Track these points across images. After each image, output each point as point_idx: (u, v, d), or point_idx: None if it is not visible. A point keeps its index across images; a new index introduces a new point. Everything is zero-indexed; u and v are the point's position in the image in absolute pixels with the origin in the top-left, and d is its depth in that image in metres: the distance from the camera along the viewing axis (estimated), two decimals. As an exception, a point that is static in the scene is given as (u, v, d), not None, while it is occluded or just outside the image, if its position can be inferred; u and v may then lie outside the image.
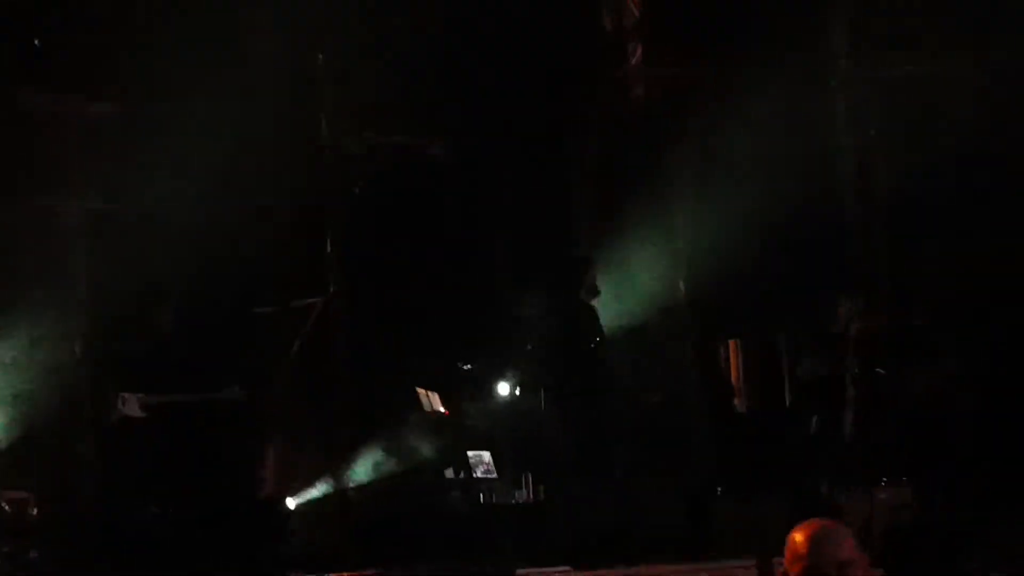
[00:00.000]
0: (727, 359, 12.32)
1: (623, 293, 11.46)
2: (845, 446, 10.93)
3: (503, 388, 11.01)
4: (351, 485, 10.32)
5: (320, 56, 10.60)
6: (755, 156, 11.67)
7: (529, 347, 10.74)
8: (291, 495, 10.31)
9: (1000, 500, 9.73)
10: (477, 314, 11.42)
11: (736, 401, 12.23)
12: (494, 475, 10.69)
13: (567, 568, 8.89)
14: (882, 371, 10.84)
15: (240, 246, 10.57)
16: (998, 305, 10.78)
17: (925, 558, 9.08)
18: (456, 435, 10.76)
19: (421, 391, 10.83)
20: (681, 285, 11.87)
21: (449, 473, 10.70)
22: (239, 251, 10.58)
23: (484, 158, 11.54)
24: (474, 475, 10.61)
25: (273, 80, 10.71)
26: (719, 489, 10.60)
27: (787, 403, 11.88)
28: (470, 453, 10.67)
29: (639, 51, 11.60)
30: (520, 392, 10.95)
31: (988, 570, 8.34)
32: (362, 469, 10.50)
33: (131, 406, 9.20)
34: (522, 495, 10.68)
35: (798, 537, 4.86)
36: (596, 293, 10.71)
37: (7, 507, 9.18)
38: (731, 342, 12.30)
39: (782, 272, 11.77)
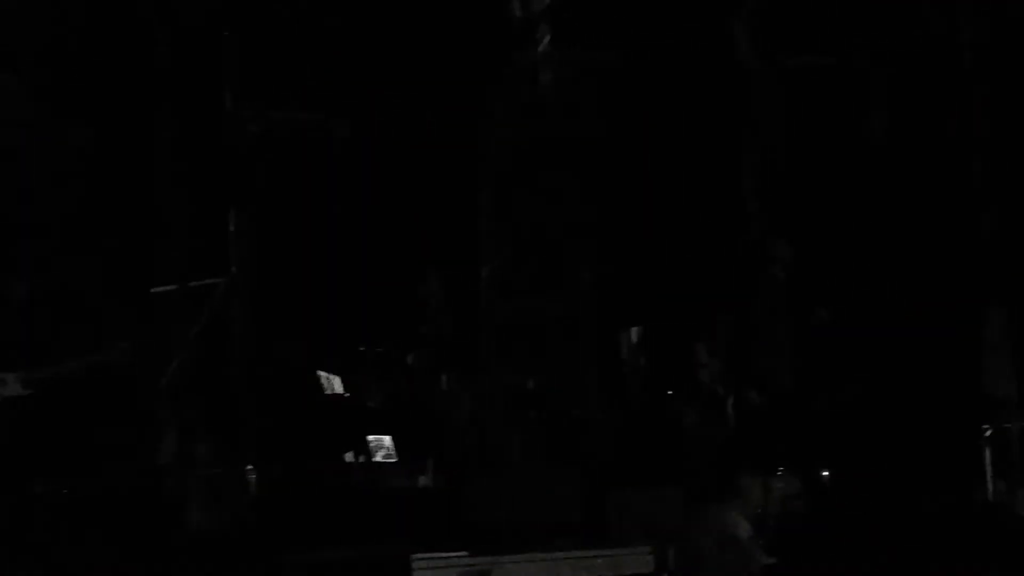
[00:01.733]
0: (629, 347, 12.38)
1: (527, 278, 11.47)
2: (741, 436, 11.01)
3: (406, 371, 11.01)
4: (249, 468, 10.22)
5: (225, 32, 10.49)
6: (663, 145, 11.74)
7: (432, 330, 10.72)
8: (187, 476, 10.20)
9: (887, 493, 9.87)
10: (380, 296, 11.36)
11: (637, 389, 12.27)
12: (395, 459, 10.65)
13: (464, 553, 8.86)
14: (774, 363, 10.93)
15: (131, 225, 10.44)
16: (894, 300, 10.88)
17: (815, 548, 9.16)
18: (357, 419, 10.71)
19: (322, 374, 10.77)
20: (586, 272, 11.89)
21: (349, 457, 10.66)
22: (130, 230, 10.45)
23: (390, 139, 11.48)
24: (374, 459, 10.58)
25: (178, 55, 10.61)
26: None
27: (688, 391, 11.96)
28: (371, 437, 10.64)
29: (548, 36, 11.58)
30: (423, 376, 10.94)
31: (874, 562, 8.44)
32: (260, 452, 10.41)
33: (12, 387, 8.99)
34: (424, 480, 10.65)
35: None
36: (501, 278, 10.72)
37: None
38: (632, 329, 12.37)
39: (684, 262, 11.85)
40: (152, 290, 10.62)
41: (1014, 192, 10.31)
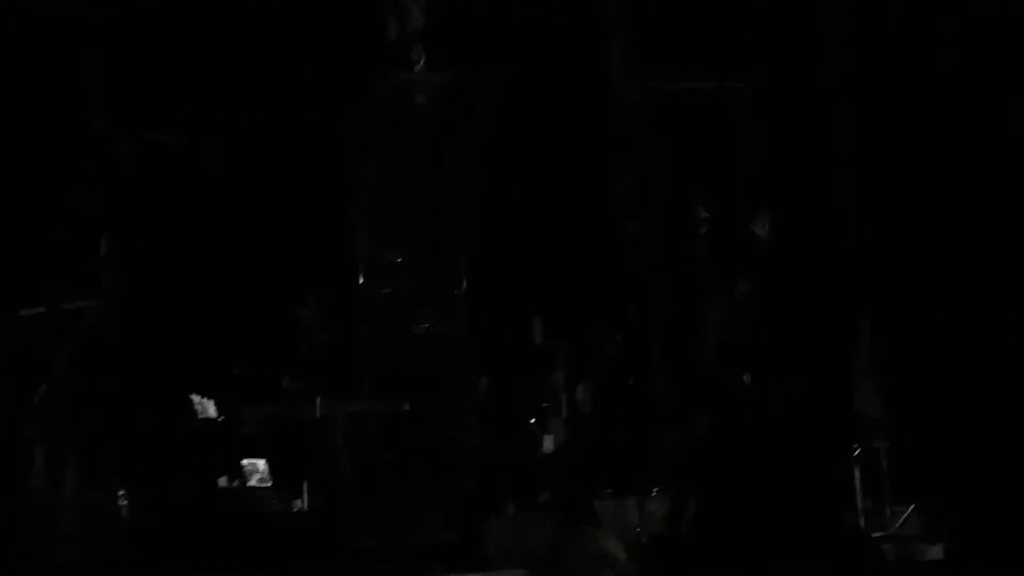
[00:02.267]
0: (506, 367, 12.42)
1: (401, 295, 11.48)
2: (615, 456, 11.08)
3: (281, 394, 10.92)
4: (120, 493, 10.09)
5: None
6: (537, 165, 11.80)
7: (307, 353, 10.66)
8: (59, 499, 10.04)
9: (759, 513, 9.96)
10: (255, 319, 11.28)
11: (514, 411, 12.30)
12: (269, 483, 10.56)
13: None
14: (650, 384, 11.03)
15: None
16: (777, 322, 11.01)
17: (687, 568, 9.22)
18: (231, 443, 10.61)
19: (195, 397, 10.65)
20: (459, 291, 11.91)
21: (223, 482, 10.55)
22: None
23: (266, 159, 11.42)
24: (248, 483, 10.48)
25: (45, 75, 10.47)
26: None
27: (562, 413, 12.01)
28: (245, 461, 10.54)
29: (422, 57, 11.58)
30: (300, 398, 10.86)
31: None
32: (132, 476, 10.28)
33: None
34: (299, 504, 10.57)
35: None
36: (378, 295, 10.70)
37: None
38: (512, 349, 12.40)
39: (558, 281, 11.91)
40: (22, 312, 10.45)
41: (882, 213, 10.47)
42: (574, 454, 11.43)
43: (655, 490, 11.00)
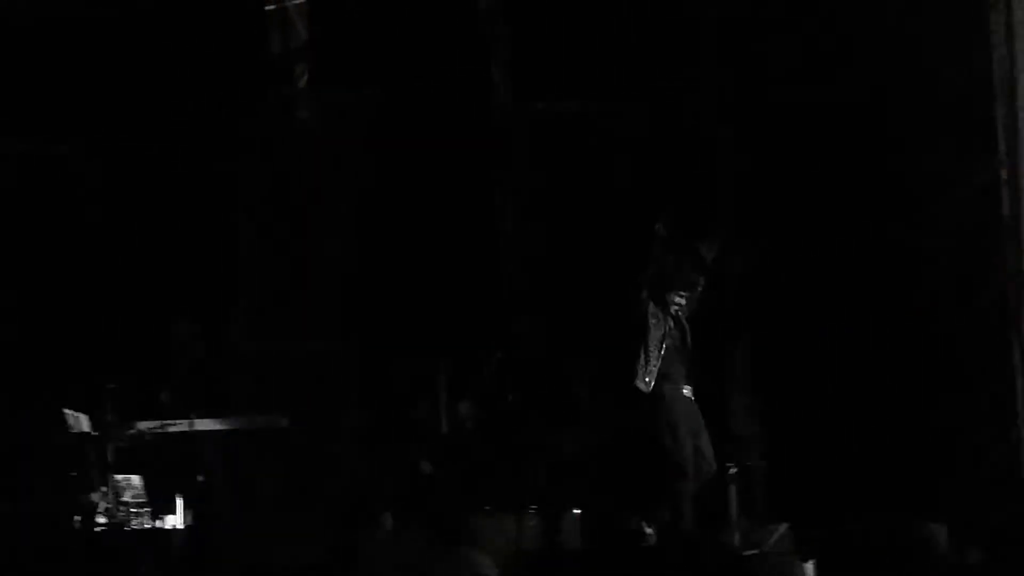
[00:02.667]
0: (387, 384, 12.39)
1: (280, 315, 11.42)
2: (494, 473, 11.07)
3: (159, 410, 10.80)
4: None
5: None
6: (421, 182, 11.81)
7: (182, 367, 10.56)
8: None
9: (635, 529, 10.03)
10: (131, 334, 11.16)
11: (394, 428, 12.27)
12: (144, 500, 10.43)
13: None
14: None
15: None
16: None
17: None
18: (104, 458, 10.47)
19: (69, 411, 10.51)
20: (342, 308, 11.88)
21: (96, 497, 10.41)
22: None
23: (141, 172, 11.31)
24: (122, 499, 10.35)
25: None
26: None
27: (444, 430, 12.00)
28: (118, 477, 10.41)
29: (306, 73, 11.55)
30: (176, 414, 10.75)
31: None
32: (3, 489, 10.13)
33: None
34: (174, 520, 10.45)
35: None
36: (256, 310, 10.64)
37: None
38: (392, 366, 12.38)
39: (440, 298, 11.93)
40: None
41: (759, 233, 10.57)
42: (452, 471, 11.42)
43: (533, 507, 11.02)
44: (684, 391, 9.39)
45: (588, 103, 11.92)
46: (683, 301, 9.60)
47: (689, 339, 9.62)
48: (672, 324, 9.51)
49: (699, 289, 9.63)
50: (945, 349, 9.84)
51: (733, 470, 9.77)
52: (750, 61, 10.68)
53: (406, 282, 11.87)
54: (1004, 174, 9.96)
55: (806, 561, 8.74)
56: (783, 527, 9.89)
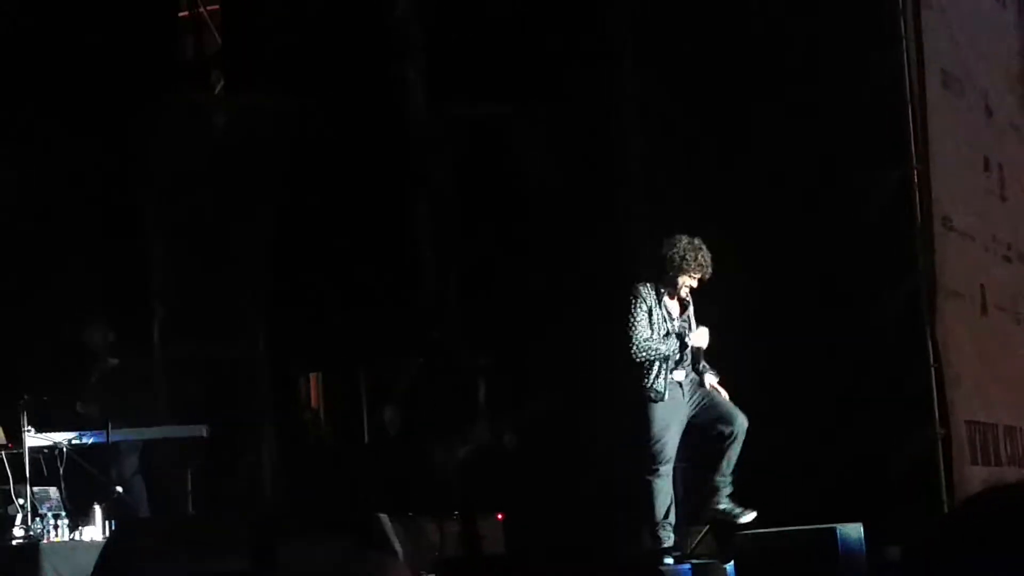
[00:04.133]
0: (307, 392, 12.35)
1: (196, 323, 11.35)
2: (415, 478, 11.06)
3: (75, 420, 10.68)
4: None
5: None
6: (335, 190, 11.77)
7: (99, 377, 10.45)
8: None
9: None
10: (46, 342, 11.03)
11: (314, 435, 12.24)
12: (63, 512, 10.31)
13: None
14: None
15: None
16: (559, 349, 11.10)
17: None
18: (21, 470, 10.34)
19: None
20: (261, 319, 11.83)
21: (12, 510, 10.27)
22: None
23: (51, 178, 11.17)
24: (39, 511, 10.22)
25: None
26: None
27: (366, 439, 11.98)
28: (36, 488, 10.28)
29: (221, 79, 11.49)
30: (92, 424, 10.63)
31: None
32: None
33: None
34: (92, 532, 10.33)
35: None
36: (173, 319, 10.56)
37: None
38: (312, 375, 12.35)
39: (360, 305, 11.90)
40: None
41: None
42: (374, 476, 11.40)
43: (455, 512, 11.03)
44: (672, 376, 9.10)
45: (502, 106, 11.94)
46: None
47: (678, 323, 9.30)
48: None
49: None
50: (861, 350, 9.94)
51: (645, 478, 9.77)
52: (664, 63, 10.74)
53: (323, 289, 11.83)
54: (916, 179, 10.09)
55: (726, 563, 8.80)
56: (704, 529, 9.95)
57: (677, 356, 8.95)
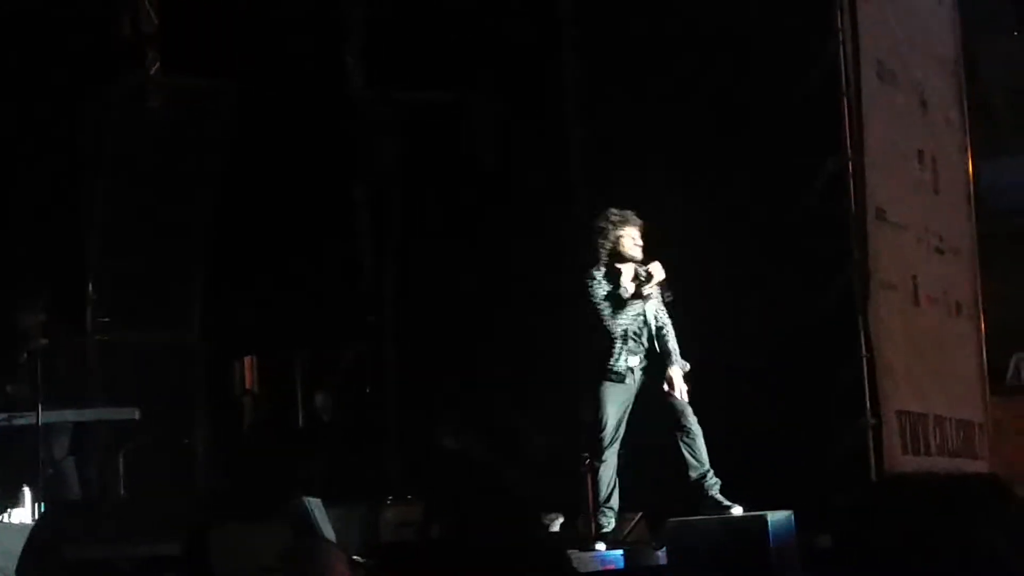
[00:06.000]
0: (242, 376, 12.32)
1: (132, 305, 11.30)
2: (351, 466, 11.05)
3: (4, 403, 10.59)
4: None
5: None
6: (275, 173, 11.72)
7: (28, 359, 10.36)
8: None
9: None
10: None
11: (248, 420, 12.20)
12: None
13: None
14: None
15: None
16: (501, 338, 11.13)
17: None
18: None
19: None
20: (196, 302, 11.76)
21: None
22: None
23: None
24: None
25: None
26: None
27: (301, 423, 11.97)
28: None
29: (158, 60, 11.39)
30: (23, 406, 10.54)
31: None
32: None
33: None
34: (20, 515, 10.25)
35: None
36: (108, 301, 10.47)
37: None
38: (247, 359, 12.32)
39: (297, 289, 11.87)
40: None
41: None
42: (309, 462, 11.37)
43: (390, 498, 11.02)
44: (620, 371, 9.10)
45: (443, 91, 11.93)
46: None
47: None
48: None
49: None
50: (794, 339, 10.00)
51: (588, 460, 9.80)
52: (606, 50, 10.76)
53: (260, 273, 11.78)
54: (851, 170, 10.15)
55: (659, 549, 8.85)
56: (638, 516, 10.00)
57: (638, 333, 9.01)
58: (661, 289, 9.00)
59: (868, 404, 9.90)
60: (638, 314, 9.00)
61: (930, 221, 11.20)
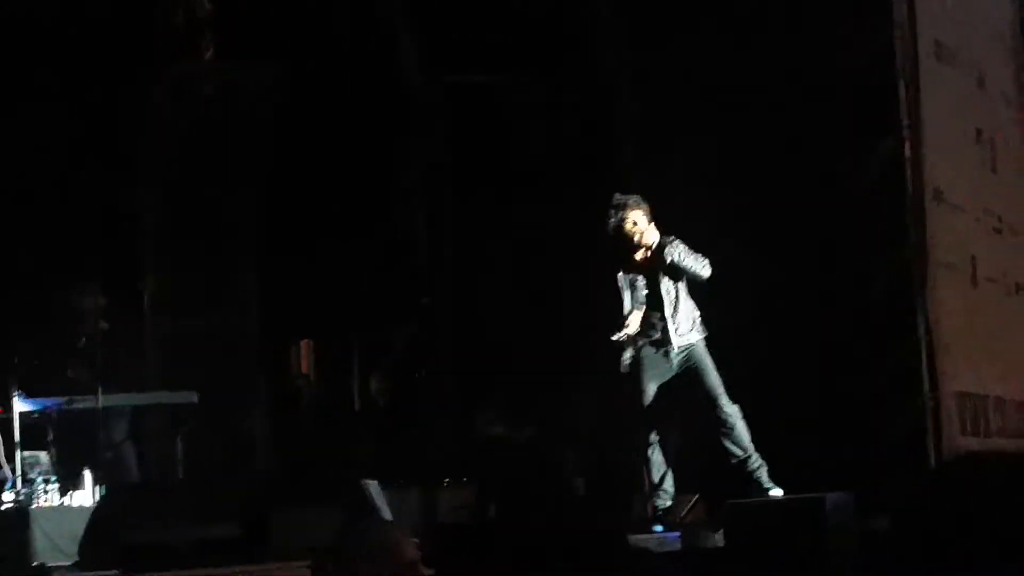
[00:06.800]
0: (298, 360, 12.36)
1: (189, 290, 11.36)
2: (407, 448, 11.07)
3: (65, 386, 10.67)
4: None
5: None
6: (327, 158, 11.75)
7: (89, 344, 10.45)
8: None
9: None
10: (35, 307, 11.01)
11: (304, 403, 12.24)
12: (53, 477, 10.32)
13: (116, 572, 8.66)
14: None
15: None
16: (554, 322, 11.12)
17: (480, 557, 9.25)
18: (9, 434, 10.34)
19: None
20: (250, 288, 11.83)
21: (2, 475, 10.28)
22: None
23: (43, 147, 11.13)
24: (29, 476, 10.23)
25: None
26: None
27: (356, 406, 11.99)
28: (26, 453, 10.29)
29: (211, 46, 11.43)
30: (83, 389, 10.63)
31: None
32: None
33: None
34: (83, 497, 10.34)
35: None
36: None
37: None
38: (303, 343, 12.36)
39: (351, 273, 11.91)
40: None
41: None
42: (366, 445, 11.41)
43: (446, 480, 11.05)
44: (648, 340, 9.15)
45: (495, 75, 11.92)
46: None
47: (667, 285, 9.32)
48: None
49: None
50: (853, 321, 9.95)
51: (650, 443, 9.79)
52: (656, 33, 10.73)
53: (314, 258, 11.82)
54: (907, 151, 10.08)
55: (716, 531, 8.84)
56: (695, 498, 9.99)
57: (652, 322, 9.04)
58: (664, 249, 9.01)
59: (927, 385, 9.85)
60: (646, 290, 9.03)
61: (988, 201, 11.10)
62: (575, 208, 11.23)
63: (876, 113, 10.10)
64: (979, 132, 11.07)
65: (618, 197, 9.09)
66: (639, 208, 9.08)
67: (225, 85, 11.58)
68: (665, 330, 9.05)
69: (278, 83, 11.70)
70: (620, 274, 9.10)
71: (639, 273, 9.08)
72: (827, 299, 10.01)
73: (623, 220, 9.04)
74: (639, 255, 9.08)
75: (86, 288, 10.41)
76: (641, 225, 9.05)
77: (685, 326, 9.07)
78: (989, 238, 11.09)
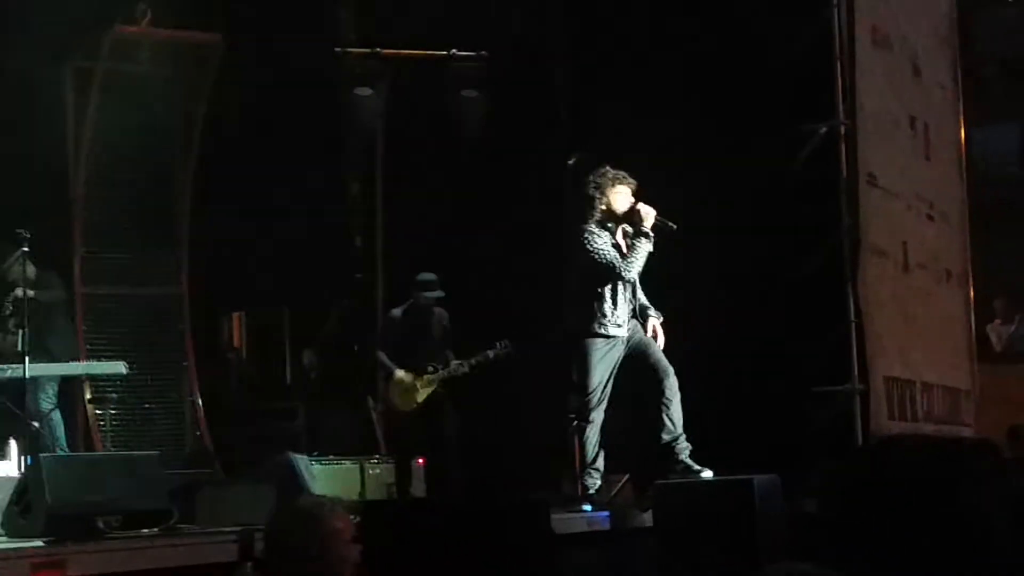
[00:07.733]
0: (229, 332, 12.28)
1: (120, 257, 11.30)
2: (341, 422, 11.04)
3: None
4: None
5: None
6: (264, 128, 11.66)
7: (9, 312, 10.32)
8: None
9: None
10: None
11: (235, 376, 12.17)
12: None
13: (41, 542, 8.55)
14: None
15: None
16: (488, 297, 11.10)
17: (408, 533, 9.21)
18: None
19: None
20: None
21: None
22: None
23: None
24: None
25: None
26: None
27: (288, 380, 11.93)
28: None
29: (148, 12, 11.30)
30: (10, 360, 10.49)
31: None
32: None
33: None
34: (7, 467, 10.22)
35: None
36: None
37: None
38: (235, 315, 12.27)
39: (284, 246, 11.85)
40: None
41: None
42: (295, 419, 11.35)
43: (376, 456, 11.03)
44: (610, 331, 9.10)
45: (436, 49, 11.88)
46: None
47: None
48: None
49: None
50: (783, 303, 9.99)
51: (576, 423, 9.81)
52: (594, 9, 10.73)
53: (248, 228, 11.73)
54: (843, 132, 10.12)
55: (645, 511, 8.86)
56: (624, 478, 10.02)
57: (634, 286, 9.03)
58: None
59: (855, 370, 9.91)
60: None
61: (921, 188, 11.17)
62: (511, 181, 11.24)
63: (812, 96, 10.14)
64: (913, 119, 11.13)
65: (612, 170, 9.01)
66: (631, 186, 9.04)
67: (160, 51, 11.45)
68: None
69: (213, 50, 11.60)
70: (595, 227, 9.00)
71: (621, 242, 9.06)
72: (758, 282, 10.04)
73: (617, 194, 9.00)
74: (619, 232, 9.06)
75: (13, 255, 10.24)
76: (631, 201, 9.03)
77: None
78: (921, 224, 11.16)
